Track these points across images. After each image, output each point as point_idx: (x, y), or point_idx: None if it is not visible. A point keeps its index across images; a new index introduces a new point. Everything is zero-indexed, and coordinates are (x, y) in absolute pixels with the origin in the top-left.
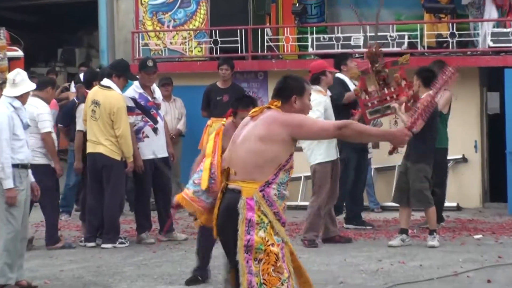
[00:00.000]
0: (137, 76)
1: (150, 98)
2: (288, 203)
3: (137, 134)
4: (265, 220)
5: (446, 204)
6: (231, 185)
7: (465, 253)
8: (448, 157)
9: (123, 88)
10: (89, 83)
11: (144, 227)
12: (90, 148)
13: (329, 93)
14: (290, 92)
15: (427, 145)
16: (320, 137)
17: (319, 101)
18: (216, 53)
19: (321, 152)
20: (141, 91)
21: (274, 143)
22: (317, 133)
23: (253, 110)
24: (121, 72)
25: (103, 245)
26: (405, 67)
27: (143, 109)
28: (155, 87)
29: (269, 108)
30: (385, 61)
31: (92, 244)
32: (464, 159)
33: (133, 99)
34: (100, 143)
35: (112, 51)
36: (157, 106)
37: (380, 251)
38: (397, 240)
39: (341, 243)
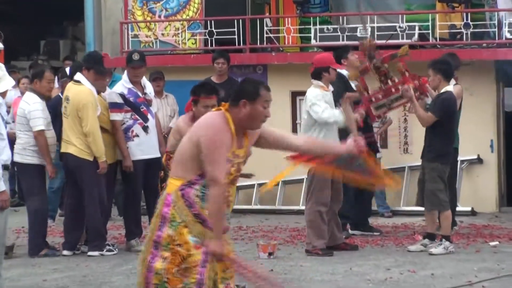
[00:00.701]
0: (111, 70)
1: (140, 94)
2: (290, 207)
3: (126, 133)
4: (178, 219)
5: (459, 208)
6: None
7: (480, 262)
8: (462, 158)
9: (99, 82)
10: None
11: (134, 233)
12: (62, 148)
13: (331, 88)
14: (241, 96)
15: (444, 143)
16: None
17: (319, 94)
18: (211, 45)
19: None
20: (130, 86)
21: (194, 147)
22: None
23: (213, 110)
24: (91, 65)
25: (89, 253)
26: (405, 59)
27: (132, 105)
28: (146, 81)
29: (219, 109)
30: (382, 55)
31: (69, 252)
32: (479, 160)
33: (122, 95)
34: (70, 142)
35: (99, 43)
36: (148, 103)
37: (388, 259)
38: (417, 245)
39: (346, 251)
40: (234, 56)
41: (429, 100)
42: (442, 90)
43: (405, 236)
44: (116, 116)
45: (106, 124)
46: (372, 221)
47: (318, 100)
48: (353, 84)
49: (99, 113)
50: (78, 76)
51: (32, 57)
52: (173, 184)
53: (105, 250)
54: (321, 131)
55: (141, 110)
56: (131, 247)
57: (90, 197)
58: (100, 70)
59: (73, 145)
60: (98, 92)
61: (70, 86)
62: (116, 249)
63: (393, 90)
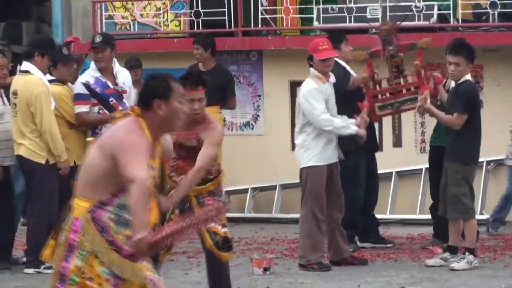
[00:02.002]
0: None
1: (110, 84)
2: (288, 215)
3: (94, 130)
4: (87, 247)
5: (482, 217)
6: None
7: (508, 278)
8: (487, 158)
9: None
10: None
11: None
12: (15, 149)
13: (333, 79)
14: (151, 95)
15: (469, 140)
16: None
17: (313, 89)
18: (197, 28)
19: (317, 152)
20: (98, 75)
21: (106, 159)
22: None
23: (116, 114)
24: (45, 49)
25: (25, 270)
26: (424, 52)
27: (99, 97)
28: (119, 69)
29: (127, 114)
30: (401, 43)
31: (30, 270)
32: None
33: (86, 85)
34: (21, 143)
35: (68, 25)
36: (119, 94)
37: (402, 276)
38: (436, 259)
39: (354, 266)
40: (224, 40)
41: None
42: (462, 80)
43: (421, 249)
44: (80, 109)
45: (73, 118)
46: (384, 231)
47: (312, 96)
48: (353, 73)
49: (53, 106)
50: (26, 65)
51: None
52: (80, 207)
53: (42, 267)
54: (312, 133)
55: (111, 103)
56: None
57: (36, 207)
58: (57, 56)
59: (22, 146)
60: (64, 82)
61: (17, 78)
62: None
63: (404, 91)
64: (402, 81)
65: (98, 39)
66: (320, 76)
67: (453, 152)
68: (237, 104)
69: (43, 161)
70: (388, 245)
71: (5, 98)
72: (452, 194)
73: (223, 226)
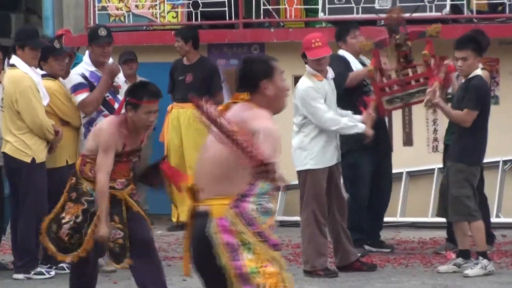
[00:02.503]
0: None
1: None
2: (293, 218)
3: (88, 127)
4: (247, 240)
5: (499, 220)
6: (200, 207)
7: None
8: (503, 158)
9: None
10: (41, 58)
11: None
12: (2, 147)
13: (331, 74)
14: (257, 77)
15: (474, 139)
16: None
17: (310, 88)
18: (196, 19)
19: (314, 155)
20: (93, 69)
21: None
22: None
23: (219, 108)
24: (23, 41)
25: (14, 275)
26: (433, 40)
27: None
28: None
29: (235, 102)
30: (408, 31)
31: (20, 276)
32: None
33: (84, 76)
34: (6, 140)
35: (59, 17)
36: (115, 90)
37: (413, 282)
38: (449, 264)
39: (362, 271)
40: (224, 32)
41: (449, 89)
42: (472, 74)
43: (434, 254)
44: (82, 96)
45: (67, 116)
46: (394, 234)
47: (310, 97)
48: (355, 68)
49: (46, 103)
50: (13, 58)
51: None
52: (219, 206)
53: (32, 273)
54: (310, 133)
55: (107, 98)
56: (99, 267)
57: (23, 209)
58: (36, 44)
59: (9, 144)
60: (56, 77)
61: (6, 73)
62: (53, 273)
63: (412, 83)
64: (410, 72)
65: (103, 32)
66: (316, 73)
67: (458, 151)
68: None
69: (28, 160)
70: (386, 250)
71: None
72: (453, 196)
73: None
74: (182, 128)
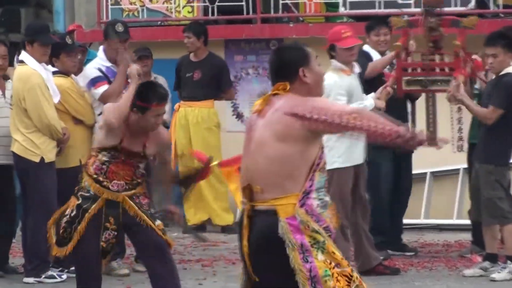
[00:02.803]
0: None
1: None
2: None
3: None
4: (320, 239)
5: None
6: (261, 206)
7: None
8: None
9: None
10: (53, 54)
11: (115, 252)
12: (11, 146)
13: (357, 69)
14: (294, 65)
15: (503, 139)
16: (340, 132)
17: (333, 83)
18: (212, 14)
19: (341, 153)
20: (109, 64)
21: (298, 140)
22: (338, 127)
23: (257, 102)
24: (32, 37)
25: (24, 279)
26: (467, 32)
27: None
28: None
29: (275, 94)
30: (443, 18)
31: (31, 279)
32: None
33: (100, 70)
34: (15, 139)
35: (71, 12)
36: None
37: (437, 286)
38: (475, 268)
39: (385, 275)
40: (242, 28)
41: (477, 84)
42: (503, 72)
43: (460, 257)
44: (104, 87)
45: (80, 114)
46: (418, 237)
47: (335, 93)
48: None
49: (57, 101)
50: (22, 54)
51: None
52: (285, 206)
53: (43, 276)
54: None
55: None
56: (112, 270)
57: (32, 210)
58: (46, 40)
59: (17, 142)
60: (68, 74)
61: (15, 69)
62: (64, 276)
63: (437, 70)
64: (437, 58)
65: (120, 28)
66: (344, 68)
67: (485, 152)
68: (256, 98)
69: (37, 159)
70: (409, 253)
71: (8, 92)
72: (486, 198)
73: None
74: (191, 127)
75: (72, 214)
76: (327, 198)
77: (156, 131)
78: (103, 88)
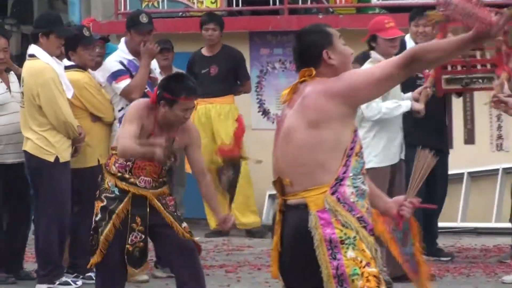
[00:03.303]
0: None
1: None
2: None
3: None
4: (351, 234)
5: None
6: (292, 200)
7: None
8: None
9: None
10: (69, 47)
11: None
12: (23, 145)
13: None
14: (317, 48)
15: None
16: (385, 89)
17: None
18: (236, 5)
19: (377, 152)
20: (131, 57)
21: (330, 123)
22: (379, 86)
23: (284, 92)
24: (48, 28)
25: (37, 286)
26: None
27: None
28: None
29: (302, 82)
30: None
31: (44, 286)
32: None
33: (122, 63)
34: (27, 137)
35: (86, 2)
36: (153, 82)
37: None
38: None
39: None
40: (268, 19)
41: None
42: None
43: (498, 263)
44: (126, 81)
45: (99, 111)
46: (454, 241)
47: None
48: None
49: (70, 96)
50: (32, 48)
51: None
52: (316, 197)
53: (57, 282)
54: (371, 128)
55: (145, 91)
56: (130, 276)
57: (45, 212)
58: (62, 32)
59: (30, 141)
60: (85, 68)
61: (25, 64)
62: (79, 282)
63: (478, 66)
64: (478, 54)
65: (144, 19)
66: (384, 60)
67: None
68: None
69: (51, 159)
70: (445, 258)
71: (13, 85)
72: None
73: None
74: (214, 124)
75: (97, 219)
76: (365, 186)
77: (185, 125)
78: (125, 82)
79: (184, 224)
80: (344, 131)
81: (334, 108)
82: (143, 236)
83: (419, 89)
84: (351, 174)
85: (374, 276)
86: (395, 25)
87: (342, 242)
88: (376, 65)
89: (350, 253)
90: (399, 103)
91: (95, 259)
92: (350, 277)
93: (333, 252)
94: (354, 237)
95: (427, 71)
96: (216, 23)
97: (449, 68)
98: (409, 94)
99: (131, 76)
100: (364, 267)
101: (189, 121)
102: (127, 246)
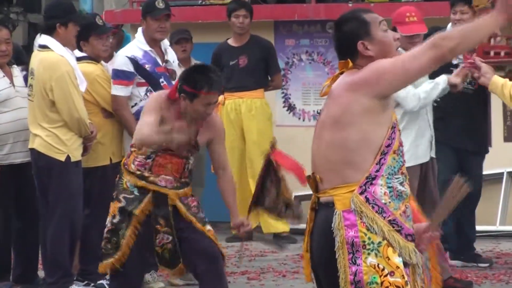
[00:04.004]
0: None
1: (160, 62)
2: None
3: (137, 119)
4: (375, 239)
5: None
6: (323, 198)
7: None
8: None
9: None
10: (81, 37)
11: (149, 263)
12: (29, 143)
13: None
14: (351, 40)
15: None
16: (415, 76)
17: None
18: None
19: (405, 149)
20: (148, 48)
21: (354, 120)
22: (407, 72)
23: (325, 84)
24: (66, 17)
25: None
26: None
27: (149, 77)
28: (167, 45)
29: (342, 73)
30: None
31: None
32: None
33: (134, 60)
34: (35, 134)
35: None
36: (170, 75)
37: None
38: None
39: None
40: (294, 8)
41: None
42: None
43: None
44: (120, 90)
45: (111, 106)
46: (493, 246)
47: None
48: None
49: (83, 89)
50: (44, 38)
51: (1, 9)
52: (344, 195)
53: None
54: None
55: (162, 84)
56: (146, 284)
57: (55, 214)
58: (79, 19)
59: (38, 137)
60: (98, 60)
61: (35, 55)
62: None
63: None
64: None
65: (161, 4)
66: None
67: None
68: (310, 87)
69: (63, 158)
70: (483, 265)
71: (16, 79)
72: None
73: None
74: (244, 120)
75: (115, 221)
76: (403, 188)
77: (210, 119)
78: (119, 90)
79: (208, 227)
80: (373, 128)
81: (356, 102)
82: (170, 238)
83: (457, 70)
84: (385, 173)
85: (397, 286)
86: (419, 19)
87: (364, 246)
88: (404, 53)
89: (371, 260)
90: (434, 81)
91: (112, 264)
92: (368, 285)
93: (354, 257)
94: (379, 242)
95: (468, 55)
96: (246, 9)
97: (492, 53)
98: (444, 76)
99: (144, 75)
100: (385, 276)
101: (213, 115)
102: (156, 248)
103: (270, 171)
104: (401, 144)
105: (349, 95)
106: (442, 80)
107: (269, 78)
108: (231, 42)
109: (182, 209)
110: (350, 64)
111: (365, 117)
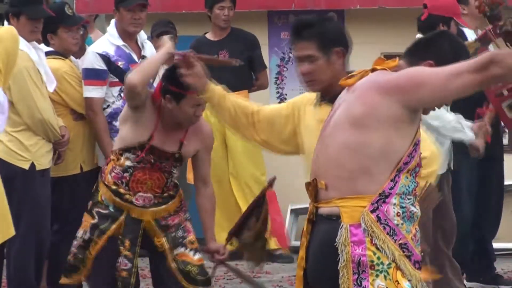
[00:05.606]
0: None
1: (135, 57)
2: None
3: (111, 121)
4: (385, 260)
5: None
6: (324, 208)
7: None
8: None
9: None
10: (49, 29)
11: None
12: None
13: None
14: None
15: None
16: (454, 93)
17: None
18: None
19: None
20: (121, 43)
21: (379, 125)
22: (447, 86)
23: (350, 75)
24: (17, 8)
25: None
26: None
27: (123, 76)
28: (144, 38)
29: (373, 70)
30: None
31: None
32: None
33: (105, 58)
34: None
35: None
36: None
37: None
38: None
39: None
40: None
41: None
42: None
43: None
44: (93, 92)
45: (81, 107)
46: None
47: None
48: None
49: (52, 89)
50: None
51: None
52: (353, 208)
53: None
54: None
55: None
56: None
57: (18, 225)
58: (36, 13)
59: (1, 144)
60: (66, 55)
61: None
62: None
63: None
64: None
65: None
66: None
67: None
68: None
69: (26, 166)
70: (504, 287)
71: None
72: None
73: (195, 251)
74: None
75: (86, 237)
76: (415, 209)
77: (197, 125)
78: (92, 91)
79: (188, 251)
80: (397, 139)
81: (385, 106)
82: (128, 265)
83: (478, 124)
84: (399, 192)
85: None
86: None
87: (372, 267)
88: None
89: (380, 282)
90: (464, 129)
91: (72, 280)
92: None
93: (360, 278)
94: (389, 264)
95: (484, 108)
96: (232, 0)
97: (505, 92)
98: (470, 124)
99: (116, 73)
100: None
101: (201, 120)
102: (116, 272)
103: (261, 207)
104: (418, 165)
105: (377, 97)
106: (469, 136)
107: (253, 77)
108: (209, 36)
109: (156, 232)
110: (395, 63)
111: (391, 125)
